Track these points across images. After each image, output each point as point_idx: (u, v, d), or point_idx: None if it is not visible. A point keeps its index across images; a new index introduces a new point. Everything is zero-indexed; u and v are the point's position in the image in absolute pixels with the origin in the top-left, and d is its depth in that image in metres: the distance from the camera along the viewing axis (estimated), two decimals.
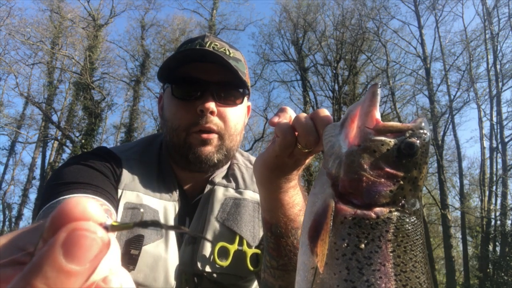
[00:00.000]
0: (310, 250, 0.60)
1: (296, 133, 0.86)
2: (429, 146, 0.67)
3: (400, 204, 0.63)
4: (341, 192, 0.64)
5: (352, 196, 0.63)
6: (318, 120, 0.83)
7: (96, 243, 0.29)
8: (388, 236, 0.60)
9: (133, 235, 1.22)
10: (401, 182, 0.63)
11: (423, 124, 0.66)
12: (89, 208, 0.30)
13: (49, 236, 0.29)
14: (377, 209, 0.62)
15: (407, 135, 0.65)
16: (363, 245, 0.59)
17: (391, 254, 0.59)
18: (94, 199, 1.12)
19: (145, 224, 0.36)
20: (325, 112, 0.84)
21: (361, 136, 0.66)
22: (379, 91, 0.68)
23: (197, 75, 1.32)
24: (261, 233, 1.37)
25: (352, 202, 0.63)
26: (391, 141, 0.64)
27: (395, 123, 0.67)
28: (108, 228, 0.31)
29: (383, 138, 0.65)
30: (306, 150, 0.87)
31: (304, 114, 0.87)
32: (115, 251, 0.36)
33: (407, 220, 0.63)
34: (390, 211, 0.62)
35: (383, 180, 0.63)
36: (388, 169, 0.63)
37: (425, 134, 0.66)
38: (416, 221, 0.63)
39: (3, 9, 20.08)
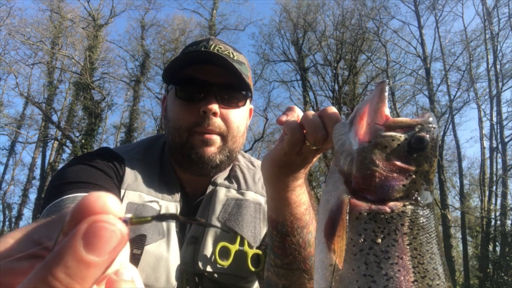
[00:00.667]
0: (327, 247, 0.61)
1: (304, 131, 0.87)
2: (438, 140, 0.68)
3: (414, 197, 0.64)
4: (354, 189, 0.65)
5: (366, 192, 0.64)
6: (326, 117, 0.84)
7: (116, 235, 0.30)
8: (404, 230, 0.61)
9: (135, 235, 1.23)
10: (413, 176, 0.64)
11: (431, 119, 0.67)
12: (109, 203, 0.32)
13: (69, 229, 0.30)
14: (391, 204, 0.62)
15: (417, 129, 0.66)
16: (379, 240, 0.60)
17: (407, 247, 0.60)
18: None
19: (163, 217, 0.37)
20: (333, 109, 0.85)
21: (371, 132, 0.67)
22: (387, 88, 0.69)
23: (201, 76, 1.33)
24: (262, 234, 1.38)
25: (366, 198, 0.64)
26: (402, 136, 0.65)
27: (404, 119, 0.68)
28: (127, 222, 0.32)
29: (393, 133, 0.65)
30: (315, 147, 0.87)
31: (312, 112, 0.88)
32: (127, 247, 0.37)
33: (421, 213, 0.63)
34: (404, 205, 0.63)
35: (395, 174, 0.64)
36: (400, 164, 0.64)
37: (434, 128, 0.67)
38: (429, 214, 0.64)
39: (3, 9, 20.11)
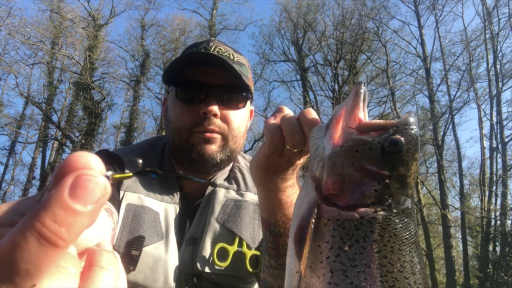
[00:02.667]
0: (295, 254, 0.59)
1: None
2: (417, 142, 0.64)
3: (387, 203, 0.61)
4: (324, 195, 0.63)
5: (336, 198, 0.62)
6: (303, 120, 0.82)
7: (99, 187, 0.32)
8: (373, 237, 0.58)
9: (134, 236, 1.24)
10: (387, 181, 0.61)
11: (409, 119, 0.64)
12: (91, 160, 0.34)
13: (54, 185, 0.32)
14: (362, 210, 0.60)
15: (391, 132, 0.62)
16: (347, 247, 0.58)
17: (376, 254, 0.57)
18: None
19: (143, 172, 0.40)
20: (311, 112, 0.83)
21: (344, 136, 0.64)
22: (362, 89, 0.66)
23: (201, 78, 1.34)
24: (261, 235, 1.37)
25: (336, 204, 0.61)
26: (374, 140, 0.62)
27: (378, 121, 0.65)
28: (109, 177, 0.35)
29: (365, 137, 0.63)
30: (295, 150, 0.86)
31: (291, 114, 0.86)
32: (108, 227, 0.40)
33: (395, 219, 0.60)
34: (375, 211, 0.60)
35: (367, 179, 0.61)
36: (371, 168, 0.61)
37: (411, 129, 0.63)
38: (406, 220, 0.61)
39: (3, 9, 20.10)
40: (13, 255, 0.28)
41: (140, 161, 1.38)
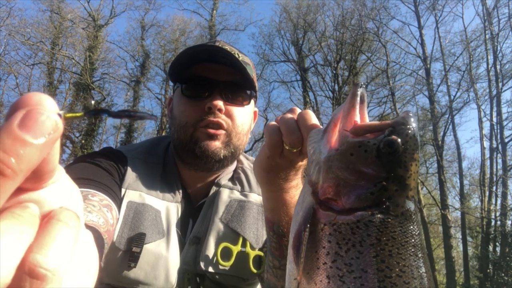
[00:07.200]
0: (293, 260, 0.58)
1: None
2: (415, 141, 0.62)
3: (384, 206, 0.59)
4: (321, 199, 0.61)
5: (332, 202, 0.61)
6: (300, 120, 0.83)
7: (50, 120, 0.32)
8: (370, 241, 0.57)
9: (135, 233, 1.24)
10: (384, 183, 0.59)
11: (406, 119, 0.62)
12: (44, 98, 0.33)
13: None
14: (358, 213, 0.58)
15: (387, 132, 0.61)
16: (343, 252, 0.56)
17: (373, 259, 0.56)
18: (96, 194, 1.14)
19: (94, 112, 0.40)
20: (309, 114, 0.83)
21: (339, 140, 0.63)
22: (359, 91, 0.65)
23: (206, 74, 1.35)
24: (265, 236, 1.37)
25: (333, 208, 0.60)
26: (370, 142, 0.61)
27: (373, 122, 0.63)
28: (61, 116, 0.34)
29: (360, 139, 0.62)
30: (295, 150, 0.86)
31: (289, 115, 0.86)
32: (78, 199, 0.40)
33: (393, 222, 0.58)
34: (372, 214, 0.58)
35: (362, 182, 0.60)
36: (367, 171, 0.60)
37: (408, 129, 0.61)
38: (405, 223, 0.59)
39: (3, 9, 20.13)
40: None
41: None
